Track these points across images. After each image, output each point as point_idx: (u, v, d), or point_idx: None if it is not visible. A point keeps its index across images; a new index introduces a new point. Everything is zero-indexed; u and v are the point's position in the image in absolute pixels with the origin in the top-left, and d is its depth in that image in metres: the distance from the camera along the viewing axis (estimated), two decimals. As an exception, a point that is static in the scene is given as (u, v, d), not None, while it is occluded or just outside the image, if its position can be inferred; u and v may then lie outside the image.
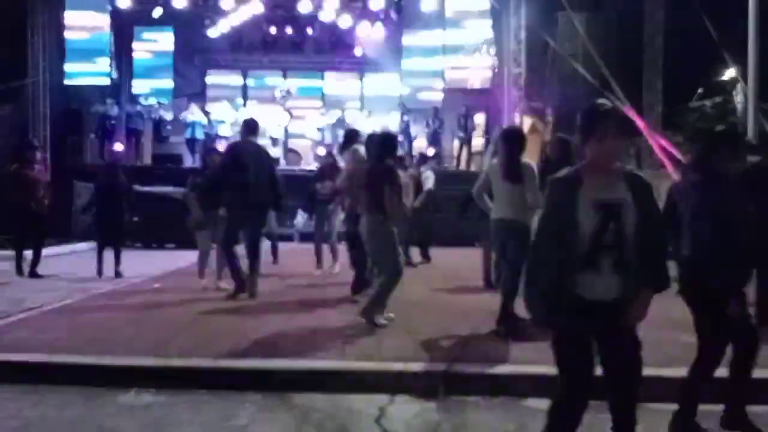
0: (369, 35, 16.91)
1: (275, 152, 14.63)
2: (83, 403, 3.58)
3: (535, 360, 4.07)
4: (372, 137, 5.77)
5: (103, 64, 15.98)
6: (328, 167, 7.84)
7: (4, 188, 8.41)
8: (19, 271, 8.24)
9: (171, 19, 16.53)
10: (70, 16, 15.75)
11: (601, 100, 2.50)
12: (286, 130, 15.99)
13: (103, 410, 3.49)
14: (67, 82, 15.82)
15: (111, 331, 4.81)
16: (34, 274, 8.23)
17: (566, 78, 14.17)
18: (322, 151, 13.87)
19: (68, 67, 15.80)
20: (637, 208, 2.26)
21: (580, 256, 2.25)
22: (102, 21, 15.92)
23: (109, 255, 8.35)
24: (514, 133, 5.27)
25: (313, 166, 14.82)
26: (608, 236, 2.24)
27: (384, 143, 5.38)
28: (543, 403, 3.56)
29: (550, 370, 3.86)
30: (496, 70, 15.90)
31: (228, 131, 15.56)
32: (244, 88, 18.30)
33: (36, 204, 8.30)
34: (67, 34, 15.75)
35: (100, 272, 8.22)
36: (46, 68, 15.03)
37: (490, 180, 4.98)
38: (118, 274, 8.22)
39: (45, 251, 9.99)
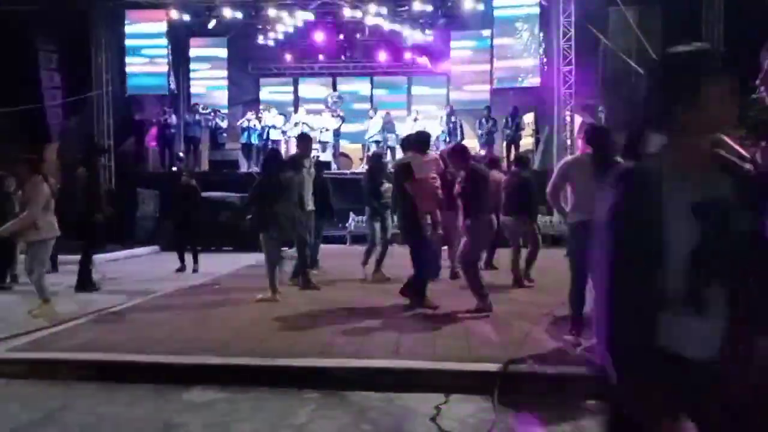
0: (416, 38, 16.98)
1: (325, 156, 14.89)
2: (152, 400, 3.74)
3: (590, 361, 4.03)
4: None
5: (162, 75, 16.64)
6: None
7: (72, 194, 8.12)
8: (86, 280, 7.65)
9: (225, 29, 17.09)
10: (130, 30, 16.48)
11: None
12: (336, 134, 16.20)
13: (171, 407, 3.64)
14: (128, 93, 16.59)
15: (176, 331, 5.02)
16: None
17: (618, 74, 13.83)
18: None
19: (129, 79, 16.54)
20: (747, 214, 1.46)
21: (673, 292, 1.45)
22: (160, 34, 16.57)
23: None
24: (601, 129, 4.92)
25: (364, 168, 15.01)
26: (713, 258, 1.43)
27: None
28: (599, 405, 3.54)
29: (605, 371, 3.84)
30: (545, 68, 15.66)
31: (279, 136, 15.94)
32: (296, 93, 18.71)
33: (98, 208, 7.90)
34: (128, 48, 16.49)
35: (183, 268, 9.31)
36: (109, 81, 15.82)
37: (568, 179, 4.74)
38: (195, 270, 9.20)
39: (109, 255, 10.55)
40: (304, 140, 7.91)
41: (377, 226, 7.96)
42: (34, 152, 7.48)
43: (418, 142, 6.31)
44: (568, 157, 4.89)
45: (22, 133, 14.34)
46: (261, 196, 6.40)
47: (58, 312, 5.87)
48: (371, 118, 16.17)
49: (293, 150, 11.79)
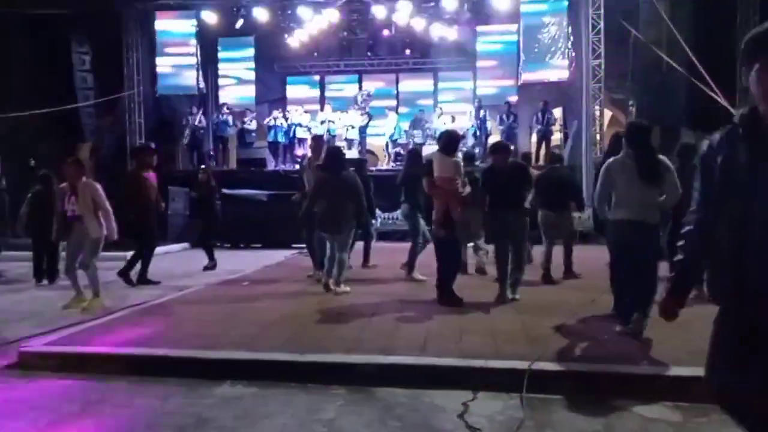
0: (443, 35, 16.91)
1: (351, 154, 14.94)
2: (183, 394, 3.81)
3: (620, 359, 3.98)
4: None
5: (192, 75, 16.90)
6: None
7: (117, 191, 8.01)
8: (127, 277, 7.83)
9: (252, 29, 17.28)
10: (160, 31, 16.76)
11: None
12: (362, 132, 16.25)
13: (202, 401, 3.70)
14: (159, 93, 16.90)
15: (206, 326, 5.10)
16: (145, 280, 7.97)
17: (649, 67, 13.56)
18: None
19: (160, 79, 16.85)
20: None
21: None
22: (189, 34, 16.83)
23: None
24: (644, 128, 4.79)
25: (390, 165, 15.04)
26: None
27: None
28: (629, 403, 3.49)
29: (635, 369, 3.80)
30: (574, 62, 15.44)
31: (305, 134, 16.06)
32: (322, 92, 18.82)
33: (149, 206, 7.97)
34: (158, 49, 16.79)
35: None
36: (140, 82, 16.15)
37: (612, 179, 4.67)
38: (207, 267, 9.33)
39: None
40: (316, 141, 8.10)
41: (421, 220, 7.52)
42: (69, 152, 7.65)
43: (446, 142, 6.19)
44: (611, 159, 4.81)
45: (56, 134, 14.74)
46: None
47: (106, 306, 6.16)
48: (386, 116, 16.17)
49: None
